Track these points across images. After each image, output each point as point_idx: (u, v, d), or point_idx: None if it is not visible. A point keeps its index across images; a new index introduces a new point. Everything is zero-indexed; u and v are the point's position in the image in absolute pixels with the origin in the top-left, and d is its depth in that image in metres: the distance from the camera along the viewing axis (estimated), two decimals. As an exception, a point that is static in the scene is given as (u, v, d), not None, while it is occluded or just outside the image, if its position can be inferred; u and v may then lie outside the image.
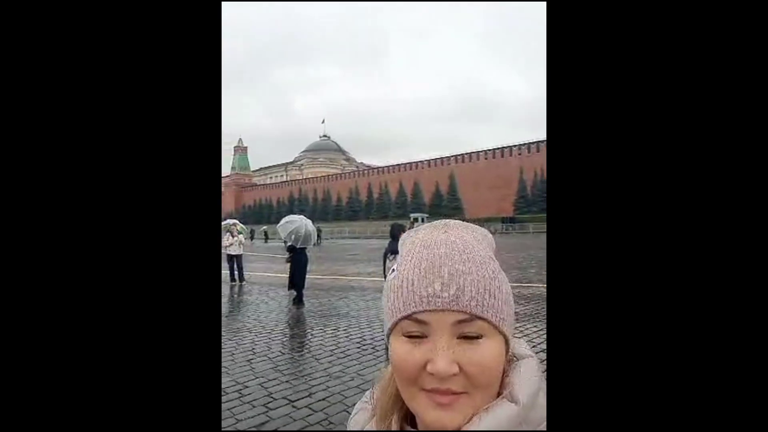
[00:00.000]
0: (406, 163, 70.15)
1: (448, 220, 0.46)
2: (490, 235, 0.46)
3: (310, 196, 74.91)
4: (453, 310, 0.38)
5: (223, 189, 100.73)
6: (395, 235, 4.39)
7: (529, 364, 0.42)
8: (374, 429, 0.45)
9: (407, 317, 0.39)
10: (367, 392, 0.50)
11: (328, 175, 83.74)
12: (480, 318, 0.38)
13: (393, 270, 0.43)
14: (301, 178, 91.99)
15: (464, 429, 0.38)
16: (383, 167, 74.49)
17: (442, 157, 65.05)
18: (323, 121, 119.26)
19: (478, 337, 0.38)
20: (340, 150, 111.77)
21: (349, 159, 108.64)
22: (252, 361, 3.91)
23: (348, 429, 0.48)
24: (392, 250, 4.27)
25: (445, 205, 54.79)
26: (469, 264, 0.39)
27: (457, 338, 0.38)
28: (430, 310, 0.38)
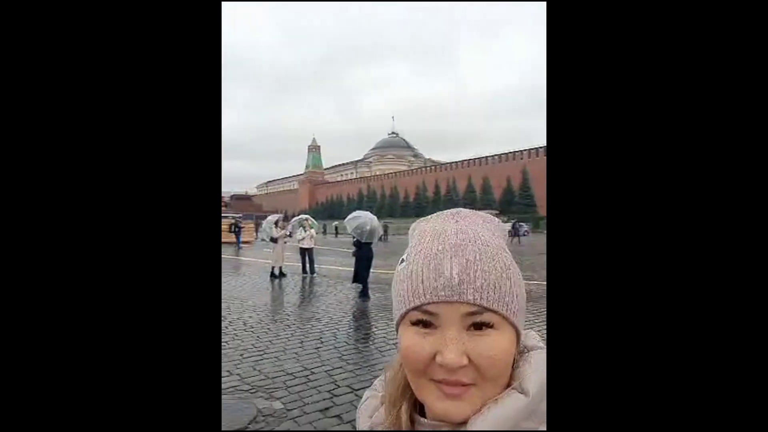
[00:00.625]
0: (475, 158, 68.20)
1: (459, 209, 0.45)
2: (503, 225, 0.45)
3: (378, 193, 76.16)
4: (463, 302, 0.37)
5: (298, 186, 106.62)
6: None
7: (540, 356, 0.41)
8: (383, 416, 0.45)
9: (417, 308, 0.38)
10: (377, 380, 0.50)
11: (396, 172, 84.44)
12: (490, 310, 0.37)
13: (402, 260, 0.42)
14: (369, 175, 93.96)
15: (473, 420, 0.37)
16: (451, 163, 73.21)
17: (513, 152, 62.16)
18: (393, 118, 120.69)
19: (488, 329, 0.38)
20: (408, 146, 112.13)
21: (417, 155, 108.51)
22: (319, 349, 4.12)
23: (357, 416, 0.49)
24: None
25: (517, 202, 52.30)
26: (481, 255, 0.38)
27: (467, 329, 0.37)
28: (440, 302, 0.37)
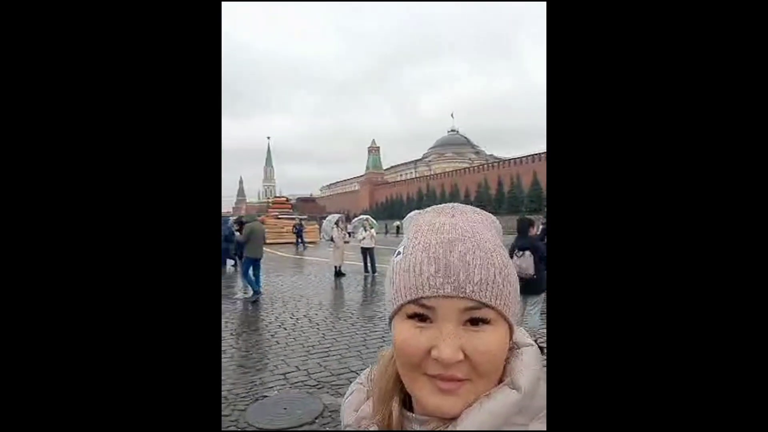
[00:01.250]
0: (541, 153, 64.82)
1: (455, 204, 0.44)
2: (498, 221, 0.45)
3: (438, 192, 75.31)
4: (461, 297, 0.37)
5: (358, 187, 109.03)
6: (522, 230, 4.12)
7: (531, 352, 0.41)
8: (370, 410, 0.45)
9: (414, 301, 0.38)
10: (363, 373, 0.49)
11: (456, 170, 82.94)
12: (488, 306, 0.37)
13: (399, 252, 0.42)
14: (429, 174, 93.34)
15: (464, 414, 0.37)
16: (514, 159, 70.25)
17: (584, 144, 57.75)
18: (452, 116, 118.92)
19: (484, 324, 0.38)
20: (468, 143, 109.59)
21: (478, 152, 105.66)
22: (382, 348, 4.15)
23: (342, 410, 0.48)
24: (519, 246, 4.02)
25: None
26: (478, 250, 0.38)
27: (463, 324, 0.37)
28: (437, 296, 0.37)
